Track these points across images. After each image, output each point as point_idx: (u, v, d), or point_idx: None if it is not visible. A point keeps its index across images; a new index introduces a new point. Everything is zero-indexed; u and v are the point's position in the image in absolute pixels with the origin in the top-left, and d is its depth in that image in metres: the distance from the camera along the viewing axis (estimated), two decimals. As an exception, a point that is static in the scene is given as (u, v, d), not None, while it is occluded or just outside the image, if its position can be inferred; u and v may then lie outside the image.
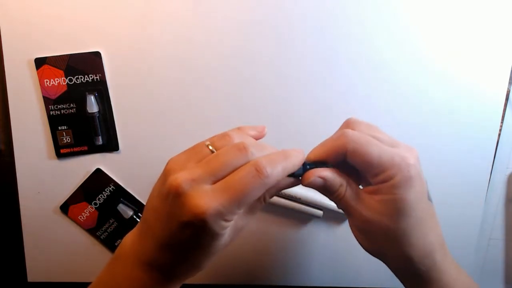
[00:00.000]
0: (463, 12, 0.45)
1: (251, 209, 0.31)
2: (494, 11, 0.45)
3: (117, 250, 0.32)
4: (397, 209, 0.29)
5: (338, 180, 0.31)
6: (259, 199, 0.31)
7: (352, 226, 0.33)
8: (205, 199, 0.26)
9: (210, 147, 0.29)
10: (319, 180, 0.31)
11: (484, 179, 0.49)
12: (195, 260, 0.30)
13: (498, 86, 0.46)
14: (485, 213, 0.50)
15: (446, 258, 0.32)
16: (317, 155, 0.31)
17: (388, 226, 0.30)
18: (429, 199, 0.31)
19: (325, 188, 0.31)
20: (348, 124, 0.32)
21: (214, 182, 0.27)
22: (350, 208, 0.31)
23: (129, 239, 0.32)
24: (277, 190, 0.31)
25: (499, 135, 0.48)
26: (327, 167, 0.31)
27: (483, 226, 0.51)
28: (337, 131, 0.33)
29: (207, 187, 0.27)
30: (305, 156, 0.31)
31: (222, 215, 0.26)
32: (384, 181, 0.29)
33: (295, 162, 0.29)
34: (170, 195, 0.27)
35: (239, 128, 0.32)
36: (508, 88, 0.47)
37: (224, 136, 0.30)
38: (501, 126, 0.48)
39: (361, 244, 0.33)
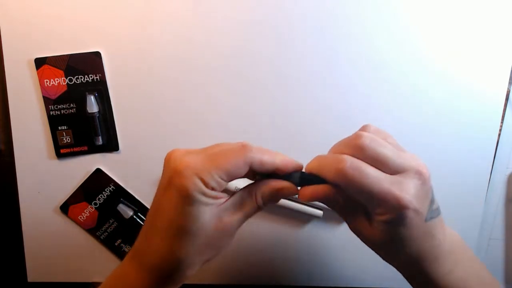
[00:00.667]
0: (463, 12, 0.45)
1: (241, 206, 0.30)
2: (494, 11, 0.45)
3: None
4: (385, 238, 0.30)
5: (333, 199, 0.31)
6: (251, 196, 0.30)
7: (350, 227, 0.34)
8: (189, 158, 0.28)
9: None
10: (315, 198, 0.31)
11: (484, 179, 0.49)
12: (178, 246, 0.29)
13: (498, 86, 0.46)
14: (485, 213, 0.50)
15: (438, 265, 0.31)
16: (313, 171, 0.30)
17: (376, 243, 0.31)
18: (429, 218, 0.30)
19: (321, 202, 0.33)
20: (361, 133, 0.30)
21: None
22: (346, 219, 0.33)
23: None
24: (271, 195, 0.31)
25: (499, 135, 0.48)
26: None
27: (483, 226, 0.51)
28: (350, 140, 0.31)
29: (195, 155, 0.29)
30: (298, 165, 0.31)
31: (200, 173, 0.27)
32: (376, 214, 0.29)
33: (285, 160, 0.30)
34: (165, 163, 0.30)
35: None
36: (508, 88, 0.47)
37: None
38: (501, 126, 0.48)
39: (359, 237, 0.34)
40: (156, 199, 0.30)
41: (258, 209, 0.31)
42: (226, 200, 0.30)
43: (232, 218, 0.30)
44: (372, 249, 0.33)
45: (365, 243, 0.33)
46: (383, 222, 0.29)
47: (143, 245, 0.31)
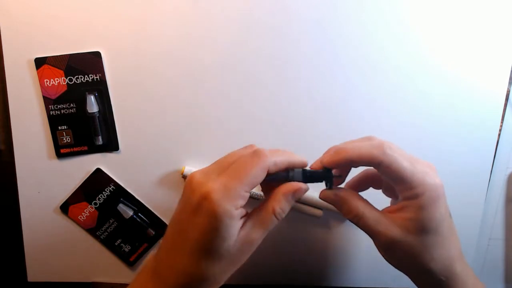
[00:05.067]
0: (463, 12, 0.45)
1: (262, 222, 0.31)
2: (494, 11, 0.45)
3: (140, 266, 0.34)
4: (423, 227, 0.30)
5: (354, 204, 0.32)
6: (268, 212, 0.31)
7: (376, 246, 0.33)
8: (211, 181, 0.29)
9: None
10: (335, 199, 0.33)
11: (484, 179, 0.49)
12: (206, 267, 0.29)
13: (498, 86, 0.46)
14: (485, 213, 0.50)
15: (465, 268, 0.32)
16: (350, 156, 0.31)
17: (412, 243, 0.31)
18: (450, 215, 0.32)
19: (340, 209, 0.33)
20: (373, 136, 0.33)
21: None
22: (371, 229, 0.32)
23: (150, 255, 0.34)
24: (287, 200, 0.31)
25: (499, 135, 0.48)
26: (329, 171, 0.32)
27: (483, 226, 0.51)
28: (365, 139, 0.33)
29: (216, 176, 0.30)
30: (304, 161, 0.32)
31: (226, 193, 0.28)
32: (413, 197, 0.30)
33: (297, 157, 0.32)
34: (186, 188, 0.30)
35: None
36: (508, 88, 0.47)
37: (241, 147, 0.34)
38: (501, 126, 0.48)
39: (387, 260, 0.34)
40: (182, 222, 0.30)
41: (277, 220, 0.32)
42: (247, 219, 0.31)
43: (254, 236, 0.31)
44: (401, 265, 0.33)
45: (394, 258, 0.32)
46: (420, 206, 0.30)
47: (166, 264, 0.31)
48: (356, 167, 0.33)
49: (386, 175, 0.31)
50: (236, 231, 0.30)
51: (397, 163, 0.30)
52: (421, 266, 0.31)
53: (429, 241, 0.30)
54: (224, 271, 0.30)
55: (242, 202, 0.29)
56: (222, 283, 0.31)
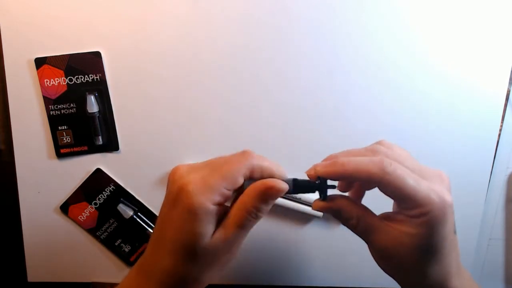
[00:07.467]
0: (463, 13, 0.45)
1: (237, 220, 0.29)
2: (494, 11, 0.45)
3: None
4: (422, 245, 0.28)
5: (349, 214, 0.30)
6: (241, 208, 0.29)
7: (370, 251, 0.32)
8: (192, 174, 0.28)
9: None
10: (331, 211, 0.31)
11: (484, 179, 0.49)
12: (182, 264, 0.29)
13: (498, 86, 0.46)
14: (485, 213, 0.50)
15: (461, 281, 0.31)
16: (347, 171, 0.28)
17: (407, 257, 0.29)
18: (454, 231, 0.30)
19: (336, 217, 0.32)
20: (380, 146, 0.30)
21: None
22: (365, 237, 0.31)
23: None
24: (260, 198, 0.28)
25: (499, 135, 0.48)
26: (323, 182, 0.30)
27: (483, 226, 0.51)
28: (368, 150, 0.31)
29: (199, 170, 0.29)
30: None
31: (203, 185, 0.27)
32: (416, 216, 0.28)
33: (283, 172, 0.30)
34: (169, 180, 0.30)
35: None
36: (508, 88, 0.47)
37: None
38: (501, 126, 0.48)
39: (381, 268, 0.32)
40: (162, 216, 0.30)
41: (253, 219, 0.29)
42: (224, 217, 0.30)
43: (229, 234, 0.29)
44: (393, 274, 0.31)
45: (387, 266, 0.31)
46: (422, 224, 0.27)
47: (149, 260, 0.30)
48: (354, 182, 0.33)
49: (387, 194, 0.29)
50: (211, 228, 0.28)
51: (398, 182, 0.27)
52: (413, 280, 0.30)
53: (425, 258, 0.29)
54: (202, 272, 0.29)
55: (220, 198, 0.28)
56: (205, 284, 0.30)
